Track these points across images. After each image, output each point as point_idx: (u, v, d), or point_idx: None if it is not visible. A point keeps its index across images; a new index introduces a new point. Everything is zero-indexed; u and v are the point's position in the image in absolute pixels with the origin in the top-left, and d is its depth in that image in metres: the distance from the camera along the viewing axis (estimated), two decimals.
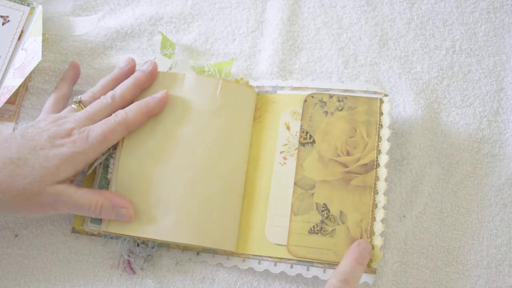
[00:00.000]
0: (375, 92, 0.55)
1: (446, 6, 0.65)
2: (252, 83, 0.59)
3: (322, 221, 0.51)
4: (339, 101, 0.55)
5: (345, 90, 0.56)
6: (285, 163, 0.54)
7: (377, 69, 0.62)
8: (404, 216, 0.56)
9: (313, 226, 0.51)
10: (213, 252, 0.54)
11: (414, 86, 0.61)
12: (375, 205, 0.51)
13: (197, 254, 0.54)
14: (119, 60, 0.62)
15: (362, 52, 0.63)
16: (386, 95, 0.55)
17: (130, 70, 0.56)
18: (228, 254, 0.53)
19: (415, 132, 0.59)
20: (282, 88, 0.58)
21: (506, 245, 0.56)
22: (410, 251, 0.55)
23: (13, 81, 0.57)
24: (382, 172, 0.52)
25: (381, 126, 0.53)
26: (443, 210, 0.57)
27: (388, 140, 0.52)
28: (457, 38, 0.64)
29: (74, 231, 0.55)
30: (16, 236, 0.55)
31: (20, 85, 0.58)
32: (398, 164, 0.58)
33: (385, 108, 0.54)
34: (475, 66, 0.63)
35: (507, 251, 0.56)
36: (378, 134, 0.53)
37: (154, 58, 0.59)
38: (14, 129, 0.58)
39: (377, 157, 0.52)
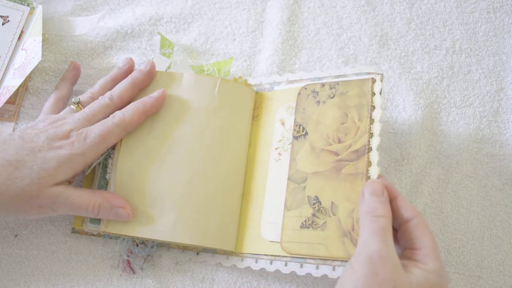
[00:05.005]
0: (368, 73, 0.52)
1: (446, 6, 0.65)
2: (250, 81, 0.59)
3: (313, 214, 0.49)
4: (331, 88, 0.53)
5: (338, 76, 0.54)
6: (280, 159, 0.54)
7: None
8: None
9: (305, 220, 0.50)
10: (212, 251, 0.54)
11: (414, 86, 0.61)
12: None
13: (197, 254, 0.54)
14: (119, 60, 0.62)
15: (362, 52, 0.63)
16: (379, 74, 0.51)
17: (129, 70, 0.56)
18: (228, 253, 0.53)
19: (415, 132, 0.59)
20: (279, 83, 0.58)
21: (507, 245, 0.56)
22: None
23: (13, 81, 0.57)
24: (374, 156, 0.49)
25: (373, 107, 0.50)
26: (443, 210, 0.57)
27: (380, 121, 0.50)
28: (457, 38, 0.64)
29: (74, 231, 0.55)
30: (16, 236, 0.55)
31: (20, 85, 0.58)
32: (398, 164, 0.58)
33: (377, 87, 0.51)
34: (475, 66, 0.63)
35: (508, 251, 0.56)
36: (370, 116, 0.50)
37: (153, 58, 0.59)
38: (14, 129, 0.58)
39: (369, 141, 0.49)
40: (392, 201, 0.46)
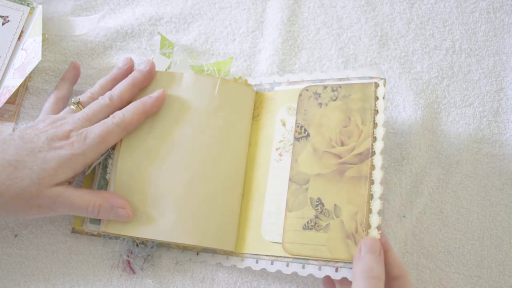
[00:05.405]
0: (370, 77, 0.52)
1: (446, 6, 0.65)
2: (251, 81, 0.59)
3: (316, 216, 0.50)
4: (333, 91, 0.53)
5: (340, 79, 0.54)
6: (281, 160, 0.54)
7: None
8: (404, 216, 0.56)
9: (307, 222, 0.50)
10: (212, 251, 0.54)
11: (414, 86, 0.61)
12: (370, 196, 0.48)
13: (197, 254, 0.54)
14: (119, 60, 0.62)
15: (362, 52, 0.63)
16: (382, 79, 0.52)
17: (128, 70, 0.56)
18: (228, 253, 0.53)
19: (415, 132, 0.59)
20: (279, 84, 0.58)
21: (507, 245, 0.56)
22: (410, 251, 0.55)
23: (13, 81, 0.57)
24: (378, 159, 0.49)
25: (376, 111, 0.51)
26: (443, 210, 0.57)
27: (384, 125, 0.50)
28: (457, 38, 0.64)
29: (74, 231, 0.55)
30: (16, 236, 0.55)
31: (20, 85, 0.58)
32: (398, 164, 0.58)
33: (380, 91, 0.51)
34: (475, 66, 0.63)
35: (508, 251, 0.56)
36: (374, 121, 0.50)
37: (153, 58, 0.59)
38: (14, 129, 0.58)
39: (372, 145, 0.49)
40: (384, 254, 0.46)
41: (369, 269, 0.44)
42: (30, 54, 0.58)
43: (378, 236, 0.46)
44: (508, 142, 0.59)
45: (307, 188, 0.51)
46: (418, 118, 0.60)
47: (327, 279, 0.51)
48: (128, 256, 0.54)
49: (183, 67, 0.60)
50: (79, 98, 0.54)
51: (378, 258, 0.44)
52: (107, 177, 0.53)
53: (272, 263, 0.51)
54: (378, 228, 0.47)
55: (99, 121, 0.51)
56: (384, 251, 0.46)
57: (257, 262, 0.51)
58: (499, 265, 0.55)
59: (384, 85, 0.51)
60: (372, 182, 0.48)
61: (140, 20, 0.64)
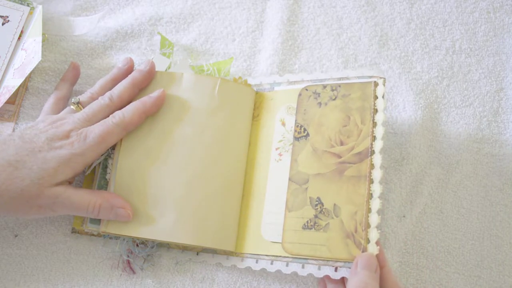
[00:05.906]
0: (370, 77, 0.52)
1: (446, 6, 0.65)
2: (250, 81, 0.59)
3: (315, 216, 0.50)
4: (332, 90, 0.53)
5: (340, 78, 0.54)
6: (281, 159, 0.54)
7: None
8: (404, 216, 0.56)
9: (307, 222, 0.50)
10: (212, 252, 0.54)
11: (414, 86, 0.61)
12: (370, 195, 0.48)
13: (197, 254, 0.54)
14: (119, 60, 0.62)
15: (362, 52, 0.63)
16: (381, 78, 0.52)
17: (128, 70, 0.56)
18: (228, 253, 0.53)
19: (415, 132, 0.59)
20: (279, 84, 0.58)
21: (507, 245, 0.56)
22: (410, 251, 0.55)
23: (13, 81, 0.57)
24: (377, 159, 0.49)
25: (375, 110, 0.51)
26: (443, 210, 0.57)
27: (383, 124, 0.50)
28: (457, 38, 0.64)
29: (74, 231, 0.55)
30: (16, 236, 0.55)
31: (20, 85, 0.58)
32: (398, 164, 0.58)
33: (379, 90, 0.51)
34: (475, 66, 0.63)
35: (508, 251, 0.56)
36: (373, 120, 0.50)
37: (153, 58, 0.59)
38: (13, 129, 0.58)
39: (372, 144, 0.49)
40: (380, 270, 0.46)
41: (363, 285, 0.44)
42: (30, 54, 0.58)
43: (376, 251, 0.46)
44: (508, 142, 0.59)
45: (306, 188, 0.51)
46: (418, 118, 0.60)
47: (323, 279, 0.52)
48: (128, 256, 0.54)
49: (183, 67, 0.60)
50: (79, 98, 0.54)
51: (373, 275, 0.44)
52: (107, 177, 0.53)
53: (272, 263, 0.51)
54: (377, 243, 0.46)
55: (99, 121, 0.51)
56: (380, 267, 0.46)
57: (257, 262, 0.51)
58: (499, 265, 0.55)
59: (384, 84, 0.51)
60: (371, 181, 0.48)
61: (140, 20, 0.64)
